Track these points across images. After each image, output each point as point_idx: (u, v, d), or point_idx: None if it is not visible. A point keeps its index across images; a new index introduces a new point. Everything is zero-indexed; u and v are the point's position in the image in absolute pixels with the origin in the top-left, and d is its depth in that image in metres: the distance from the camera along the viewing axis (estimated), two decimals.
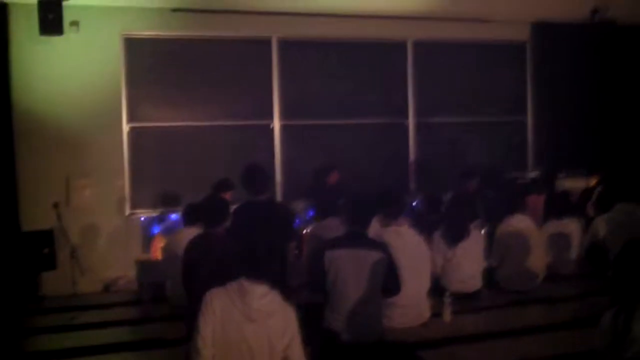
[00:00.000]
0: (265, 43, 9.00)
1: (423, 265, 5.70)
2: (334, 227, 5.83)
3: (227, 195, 6.74)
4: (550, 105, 10.09)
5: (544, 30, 10.10)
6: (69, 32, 7.80)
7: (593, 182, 9.31)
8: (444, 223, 6.59)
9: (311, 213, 7.98)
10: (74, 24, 7.97)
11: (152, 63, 8.53)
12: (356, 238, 5.03)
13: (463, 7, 9.19)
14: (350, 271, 4.85)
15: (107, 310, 7.04)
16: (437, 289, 6.03)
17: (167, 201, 8.19)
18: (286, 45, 9.08)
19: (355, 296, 4.83)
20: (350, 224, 5.15)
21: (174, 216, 8.01)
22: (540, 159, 10.10)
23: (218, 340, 3.58)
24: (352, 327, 4.82)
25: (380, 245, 5.12)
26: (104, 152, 8.21)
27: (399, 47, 9.64)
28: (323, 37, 9.19)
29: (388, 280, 5.01)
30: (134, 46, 8.44)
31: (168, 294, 6.52)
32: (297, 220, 7.77)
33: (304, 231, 7.79)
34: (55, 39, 7.69)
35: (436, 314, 5.76)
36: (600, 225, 7.49)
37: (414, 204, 8.44)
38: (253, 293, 3.60)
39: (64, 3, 7.51)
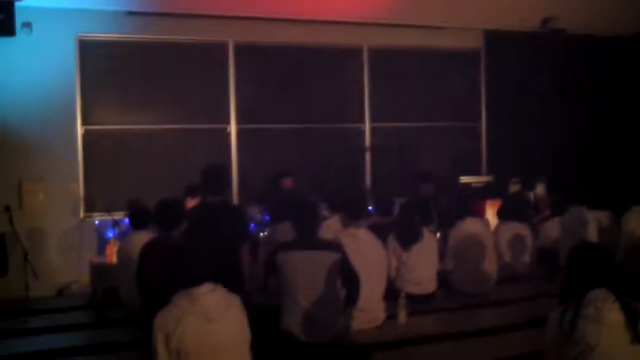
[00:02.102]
0: (221, 47, 8.99)
1: (378, 268, 5.74)
2: (289, 231, 5.83)
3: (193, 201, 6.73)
4: (503, 111, 10.27)
5: (497, 38, 10.28)
6: (21, 34, 7.69)
7: (544, 187, 9.53)
8: (397, 226, 6.66)
9: (267, 217, 8.00)
10: (27, 25, 7.86)
11: (107, 66, 8.45)
12: (309, 240, 5.05)
13: (418, 14, 9.31)
14: (303, 273, 4.87)
15: (60, 314, 6.94)
16: (392, 292, 6.08)
17: (123, 205, 8.10)
18: (242, 49, 9.08)
19: (309, 297, 4.85)
20: (297, 229, 5.18)
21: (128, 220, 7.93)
22: (494, 164, 10.27)
23: (186, 354, 3.50)
24: (307, 328, 4.83)
25: (333, 246, 5.16)
26: (58, 155, 8.10)
27: (354, 53, 9.71)
28: (280, 42, 9.21)
29: (346, 279, 5.05)
30: (88, 48, 8.35)
31: (122, 298, 6.45)
32: (251, 224, 7.78)
33: (260, 234, 7.82)
34: (6, 40, 7.57)
35: (391, 316, 5.81)
36: (552, 229, 7.69)
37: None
38: (201, 294, 3.57)
39: (16, 3, 7.40)
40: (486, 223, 7.75)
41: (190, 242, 4.67)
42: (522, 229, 7.62)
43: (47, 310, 7.09)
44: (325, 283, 4.89)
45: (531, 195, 9.20)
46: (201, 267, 3.68)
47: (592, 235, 7.30)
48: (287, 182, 8.33)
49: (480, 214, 8.32)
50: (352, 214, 5.88)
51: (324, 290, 4.88)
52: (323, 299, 4.87)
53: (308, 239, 5.06)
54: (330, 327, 4.91)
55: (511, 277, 7.43)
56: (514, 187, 9.29)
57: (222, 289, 3.69)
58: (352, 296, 5.08)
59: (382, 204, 7.44)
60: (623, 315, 3.40)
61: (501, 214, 8.05)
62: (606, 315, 3.39)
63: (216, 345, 3.55)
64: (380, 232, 6.32)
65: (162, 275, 4.48)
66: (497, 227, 7.90)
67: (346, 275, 5.07)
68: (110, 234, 7.95)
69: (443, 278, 6.86)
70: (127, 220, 6.99)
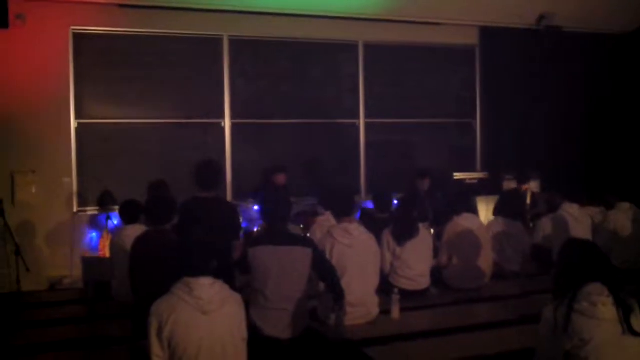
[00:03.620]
0: (216, 41, 8.96)
1: (371, 263, 5.72)
2: None
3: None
4: (498, 108, 10.26)
5: (492, 34, 10.27)
6: (14, 26, 7.63)
7: (538, 183, 9.53)
8: (394, 221, 6.64)
9: (258, 212, 7.98)
10: (20, 17, 7.81)
11: (101, 59, 8.41)
12: (279, 235, 5.02)
13: (414, 10, 9.31)
14: (272, 268, 4.82)
15: (52, 308, 6.90)
16: (385, 287, 6.07)
17: (115, 199, 8.08)
18: (237, 44, 9.05)
19: (276, 292, 4.80)
20: (268, 223, 5.18)
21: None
22: (488, 161, 10.27)
23: (177, 345, 3.49)
24: (271, 323, 4.79)
25: (304, 241, 5.16)
26: (51, 149, 8.07)
27: (350, 48, 9.69)
28: (275, 37, 9.18)
29: (323, 274, 5.08)
30: (83, 41, 8.30)
31: (114, 292, 6.43)
32: (243, 220, 7.76)
33: (254, 230, 7.81)
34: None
35: (384, 311, 5.80)
36: (546, 226, 7.68)
37: (363, 203, 8.50)
38: (199, 286, 3.56)
39: None
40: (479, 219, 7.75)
41: (182, 236, 4.64)
42: (517, 226, 7.61)
43: (39, 304, 7.06)
44: (293, 279, 4.86)
45: (526, 192, 9.20)
46: (196, 261, 3.66)
47: (585, 232, 7.30)
48: (280, 178, 8.31)
49: (474, 210, 8.31)
50: (340, 211, 5.87)
51: (292, 286, 4.85)
52: (290, 295, 4.83)
53: (278, 234, 5.02)
54: (295, 324, 4.84)
55: (505, 273, 7.42)
56: (508, 184, 9.31)
57: (222, 284, 3.68)
58: (335, 289, 5.07)
59: (381, 199, 7.42)
60: (617, 310, 3.41)
61: (496, 211, 8.04)
62: (600, 309, 3.40)
63: (208, 340, 3.53)
64: (376, 226, 6.33)
65: (155, 269, 4.50)
66: (492, 224, 7.89)
67: (322, 270, 5.08)
68: (102, 228, 7.94)
69: (436, 274, 6.85)
70: (118, 214, 6.97)
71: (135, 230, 5.80)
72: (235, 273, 5.40)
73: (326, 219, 6.90)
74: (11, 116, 7.89)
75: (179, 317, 3.50)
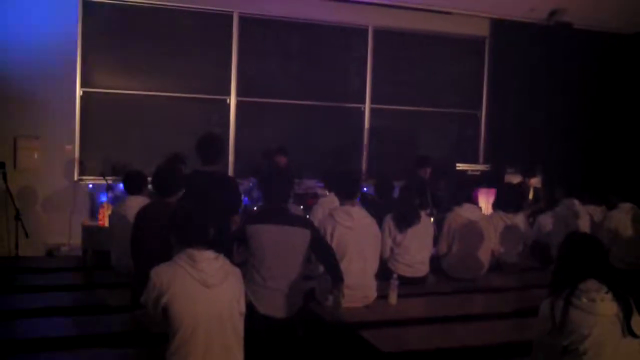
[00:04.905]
0: (226, 18, 8.92)
1: (371, 246, 5.72)
2: None
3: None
4: (504, 101, 10.25)
5: (503, 27, 10.24)
6: None
7: (539, 178, 9.53)
8: (396, 208, 6.64)
9: (258, 191, 7.97)
10: None
11: (110, 29, 8.40)
12: (279, 214, 5.01)
13: None
14: (269, 247, 4.83)
15: (49, 274, 6.90)
16: (384, 272, 6.08)
17: (117, 169, 8.07)
18: (247, 22, 9.01)
19: (272, 271, 4.82)
20: (268, 201, 5.18)
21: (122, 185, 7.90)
22: (491, 153, 10.26)
23: (174, 316, 3.48)
24: (266, 301, 4.80)
25: (303, 222, 5.16)
26: (55, 115, 8.06)
27: (360, 32, 9.66)
28: (285, 17, 9.15)
29: (321, 255, 5.10)
30: (92, 10, 8.28)
31: (113, 262, 6.43)
32: (244, 196, 7.77)
33: (254, 208, 7.81)
34: None
35: (382, 296, 5.81)
36: (546, 222, 7.68)
37: (365, 188, 8.49)
38: (203, 258, 3.56)
39: None
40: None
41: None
42: (517, 220, 7.61)
43: (36, 269, 7.06)
44: (290, 259, 4.88)
45: (529, 186, 9.21)
46: (195, 229, 3.66)
47: (584, 229, 7.30)
48: (281, 160, 8.32)
49: (475, 201, 8.32)
50: (345, 194, 5.86)
51: (288, 267, 4.86)
52: (285, 275, 4.85)
53: (278, 213, 5.01)
54: (289, 303, 4.86)
55: (502, 266, 7.44)
56: (510, 177, 9.30)
57: (224, 259, 3.68)
58: (334, 271, 5.09)
59: (384, 184, 7.42)
60: (616, 306, 3.42)
61: (496, 203, 8.03)
62: (599, 305, 3.41)
63: (207, 314, 3.52)
64: (375, 211, 6.33)
65: (158, 240, 4.48)
66: (491, 216, 7.89)
67: (320, 251, 5.09)
68: (103, 198, 7.93)
69: (435, 262, 6.86)
70: (121, 184, 6.97)
71: (138, 202, 5.79)
72: (234, 249, 5.42)
73: (329, 200, 6.90)
74: (16, 82, 7.87)
75: (179, 287, 3.49)
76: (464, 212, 6.99)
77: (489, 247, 7.06)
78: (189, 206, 3.85)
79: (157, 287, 3.50)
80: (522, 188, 8.81)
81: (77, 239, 7.62)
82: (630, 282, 4.67)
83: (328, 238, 5.47)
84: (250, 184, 8.33)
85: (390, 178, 7.60)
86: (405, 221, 6.43)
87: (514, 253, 7.48)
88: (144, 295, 3.57)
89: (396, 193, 7.26)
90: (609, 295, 3.44)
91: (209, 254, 3.60)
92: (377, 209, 6.12)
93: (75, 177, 8.24)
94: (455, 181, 8.31)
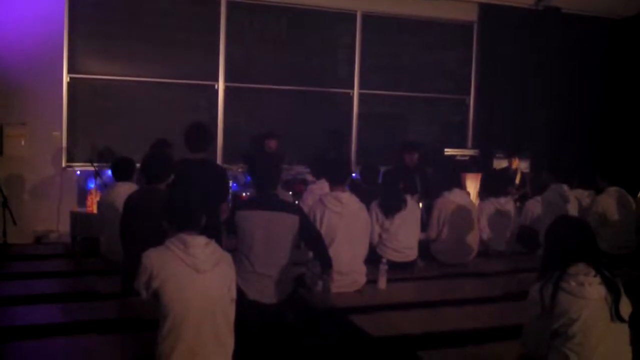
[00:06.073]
0: (214, 3, 8.85)
1: (361, 232, 5.75)
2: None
3: None
4: (493, 87, 10.25)
5: (491, 12, 10.21)
6: None
7: (528, 164, 9.57)
8: (382, 193, 6.66)
9: (249, 178, 7.96)
10: None
11: (96, 14, 8.29)
12: (268, 200, 5.02)
13: None
14: (257, 232, 4.85)
15: (38, 262, 6.90)
16: (373, 257, 6.10)
17: (105, 156, 8.04)
18: (235, 6, 8.95)
19: (261, 257, 4.84)
20: (257, 187, 5.19)
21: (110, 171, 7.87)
22: (480, 138, 10.28)
23: (165, 302, 3.48)
24: (255, 287, 4.82)
25: (292, 207, 5.18)
26: (42, 102, 7.98)
27: (348, 17, 9.62)
28: (273, 2, 9.09)
29: (309, 241, 5.14)
30: None
31: (102, 249, 6.41)
32: (232, 183, 7.77)
33: (243, 195, 7.81)
34: None
35: (371, 281, 5.84)
36: (534, 207, 7.72)
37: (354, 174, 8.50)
38: (195, 244, 3.57)
39: None
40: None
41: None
42: (505, 205, 7.64)
43: (24, 256, 7.04)
44: (278, 245, 4.89)
45: (516, 171, 9.24)
46: (186, 219, 3.65)
47: (573, 213, 7.32)
48: (272, 144, 8.32)
49: (463, 186, 8.34)
50: (334, 180, 5.87)
51: (277, 253, 4.88)
52: (274, 261, 4.87)
53: (266, 200, 5.03)
54: (278, 289, 4.88)
55: (490, 251, 7.48)
56: (498, 162, 9.33)
57: (216, 245, 3.68)
58: (323, 257, 5.12)
59: (369, 171, 7.43)
60: (604, 290, 3.44)
61: (484, 189, 8.06)
62: (587, 289, 3.42)
63: (198, 299, 3.52)
64: (362, 197, 6.34)
65: (147, 226, 4.47)
66: (479, 201, 7.92)
67: (309, 237, 5.12)
68: (91, 185, 7.89)
69: (424, 247, 6.89)
70: (109, 171, 6.95)
71: (126, 188, 5.78)
72: (223, 236, 5.42)
73: (319, 187, 6.90)
74: (2, 68, 7.78)
75: (171, 272, 3.49)
76: (454, 197, 7.03)
77: (477, 232, 7.11)
78: (182, 192, 3.83)
79: (148, 269, 3.50)
80: (509, 172, 8.86)
81: (65, 226, 7.57)
82: (616, 267, 4.72)
83: (317, 223, 5.50)
84: (239, 170, 8.32)
85: (375, 164, 7.61)
86: (392, 207, 6.45)
87: (502, 238, 7.52)
88: (136, 280, 3.56)
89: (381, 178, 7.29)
90: (598, 279, 3.45)
91: (201, 240, 3.60)
92: (362, 194, 6.12)
93: (63, 164, 8.18)
94: (444, 166, 8.31)
